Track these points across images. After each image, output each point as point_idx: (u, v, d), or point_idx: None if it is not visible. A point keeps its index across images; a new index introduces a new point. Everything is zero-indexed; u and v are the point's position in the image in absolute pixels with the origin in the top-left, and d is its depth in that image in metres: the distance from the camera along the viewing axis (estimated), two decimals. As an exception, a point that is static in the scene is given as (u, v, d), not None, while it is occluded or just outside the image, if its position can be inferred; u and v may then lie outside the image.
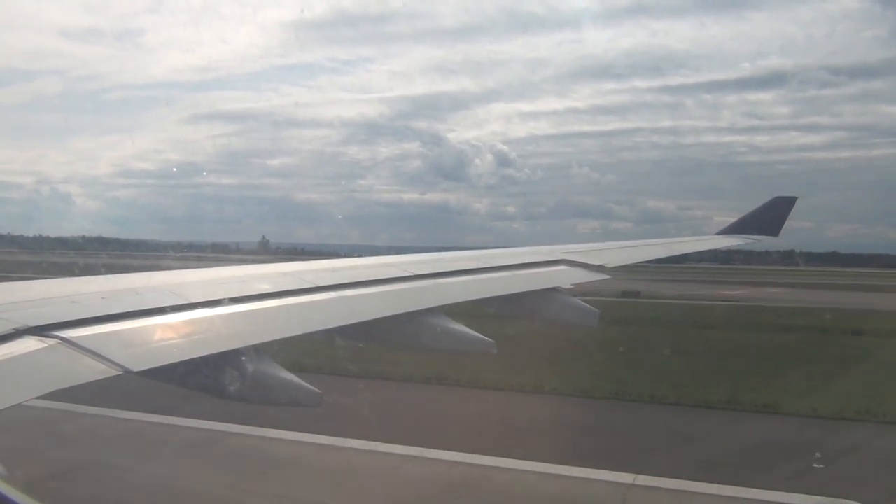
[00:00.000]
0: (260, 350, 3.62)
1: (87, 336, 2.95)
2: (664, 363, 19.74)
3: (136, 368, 2.89)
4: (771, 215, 10.41)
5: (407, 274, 5.21)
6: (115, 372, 2.81)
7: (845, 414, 14.51)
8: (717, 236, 10.47)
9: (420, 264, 5.59)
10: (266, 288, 4.22)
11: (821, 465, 11.13)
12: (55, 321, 2.98)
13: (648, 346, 22.62)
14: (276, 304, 4.07)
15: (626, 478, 10.55)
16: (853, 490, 9.96)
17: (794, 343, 25.00)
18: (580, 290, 6.56)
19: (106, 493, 10.14)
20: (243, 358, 3.49)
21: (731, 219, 10.72)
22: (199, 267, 4.88)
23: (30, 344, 2.78)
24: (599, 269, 6.81)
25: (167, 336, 3.34)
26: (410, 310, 4.63)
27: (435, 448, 11.74)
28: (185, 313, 3.54)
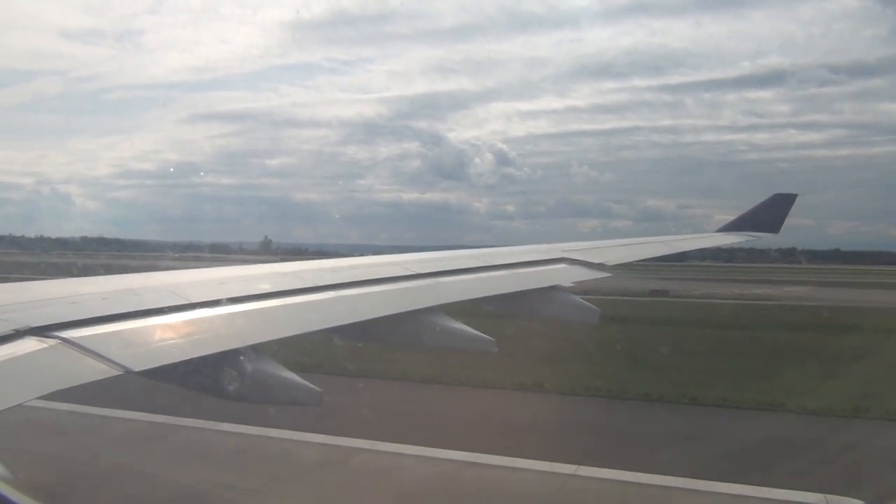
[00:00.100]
0: (260, 349, 3.63)
1: (88, 336, 2.96)
2: (761, 367, 19.30)
3: (137, 368, 2.90)
4: (771, 212, 10.37)
5: (407, 273, 5.21)
6: (115, 372, 2.81)
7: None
8: (717, 234, 10.44)
9: (420, 263, 5.59)
10: (266, 287, 4.23)
11: None
12: (56, 321, 2.99)
13: (733, 350, 22.26)
14: (276, 304, 4.08)
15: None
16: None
17: (868, 344, 23.90)
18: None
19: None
20: (243, 357, 3.50)
21: (731, 217, 10.68)
22: (201, 267, 4.89)
23: (30, 344, 2.78)
24: (600, 266, 6.80)
25: (167, 336, 3.35)
26: (410, 309, 4.63)
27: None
28: (185, 313, 3.55)
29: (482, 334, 4.88)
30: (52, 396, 2.66)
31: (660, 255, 8.53)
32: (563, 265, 6.56)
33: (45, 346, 2.80)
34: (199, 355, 3.21)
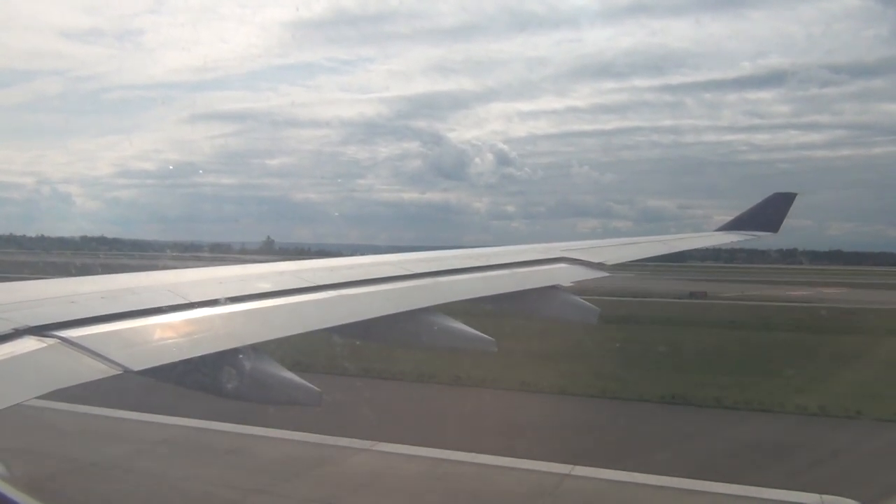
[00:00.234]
0: (259, 349, 3.63)
1: (87, 336, 2.96)
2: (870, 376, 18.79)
3: (136, 368, 2.90)
4: (770, 212, 10.35)
5: (406, 272, 5.21)
6: (114, 371, 2.81)
7: None
8: (716, 233, 10.43)
9: (419, 263, 5.59)
10: (265, 287, 4.22)
11: None
12: (55, 321, 2.99)
13: (831, 356, 21.80)
14: (276, 304, 4.07)
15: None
16: None
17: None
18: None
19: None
20: (242, 357, 3.49)
21: (732, 218, 10.67)
22: (202, 267, 4.88)
23: (30, 344, 2.78)
24: (599, 266, 6.80)
25: (167, 335, 3.35)
26: (410, 308, 4.63)
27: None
28: (184, 313, 3.55)
29: (482, 334, 4.87)
30: (52, 396, 2.66)
31: (659, 254, 8.53)
32: (562, 265, 6.56)
33: (45, 345, 2.80)
34: (198, 355, 3.21)
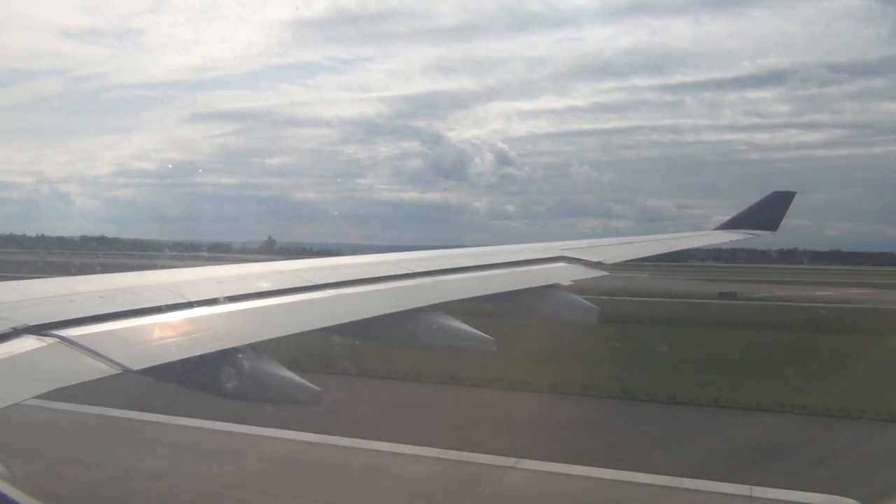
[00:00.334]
0: (258, 348, 3.63)
1: (86, 335, 2.96)
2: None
3: (135, 367, 2.90)
4: (769, 210, 10.36)
5: (405, 272, 5.21)
6: (114, 371, 2.82)
7: None
8: (715, 231, 10.44)
9: (418, 262, 5.59)
10: (264, 286, 4.23)
11: None
12: (54, 320, 2.99)
13: None
14: (275, 303, 4.08)
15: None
16: None
17: None
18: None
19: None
20: (241, 356, 3.50)
21: (730, 217, 10.68)
22: (201, 266, 4.88)
23: (29, 343, 2.79)
24: (598, 265, 6.81)
25: (166, 335, 3.35)
26: (409, 307, 4.63)
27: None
28: (183, 312, 3.55)
29: (481, 333, 4.88)
30: (51, 395, 2.66)
31: (658, 253, 8.54)
32: (560, 264, 6.57)
33: (44, 344, 2.80)
34: (197, 354, 3.21)
